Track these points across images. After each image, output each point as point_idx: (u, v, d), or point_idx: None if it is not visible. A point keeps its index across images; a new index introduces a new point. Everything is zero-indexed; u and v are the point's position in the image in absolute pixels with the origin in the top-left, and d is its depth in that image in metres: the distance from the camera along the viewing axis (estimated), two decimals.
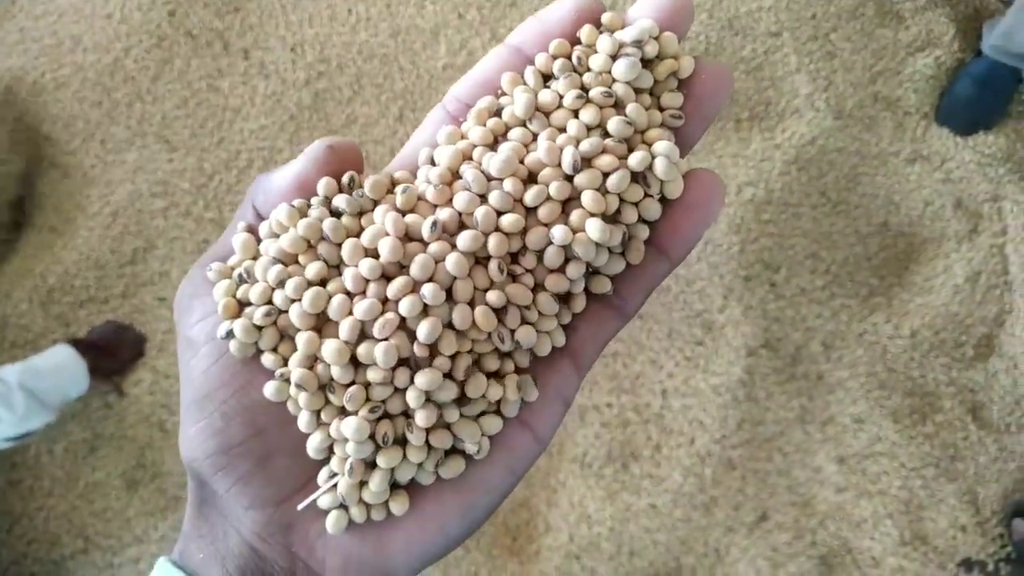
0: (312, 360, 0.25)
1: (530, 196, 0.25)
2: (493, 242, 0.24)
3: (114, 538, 1.12)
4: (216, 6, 1.25)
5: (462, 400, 0.25)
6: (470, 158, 0.26)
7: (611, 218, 0.25)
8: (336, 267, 0.25)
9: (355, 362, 0.25)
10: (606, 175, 0.25)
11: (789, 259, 1.15)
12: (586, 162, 0.25)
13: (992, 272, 1.14)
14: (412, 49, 1.23)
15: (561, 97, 0.26)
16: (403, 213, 0.25)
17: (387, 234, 0.25)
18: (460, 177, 0.25)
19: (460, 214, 0.25)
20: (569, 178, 0.25)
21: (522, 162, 0.25)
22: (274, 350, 0.25)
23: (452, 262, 0.24)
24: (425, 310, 0.24)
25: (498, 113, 0.27)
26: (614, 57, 0.26)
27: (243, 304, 0.26)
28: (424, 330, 0.24)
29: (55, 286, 1.16)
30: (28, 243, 1.19)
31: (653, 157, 0.25)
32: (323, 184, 0.26)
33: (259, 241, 0.26)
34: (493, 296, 0.25)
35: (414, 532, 0.25)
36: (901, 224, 1.16)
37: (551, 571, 1.08)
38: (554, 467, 1.12)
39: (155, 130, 1.21)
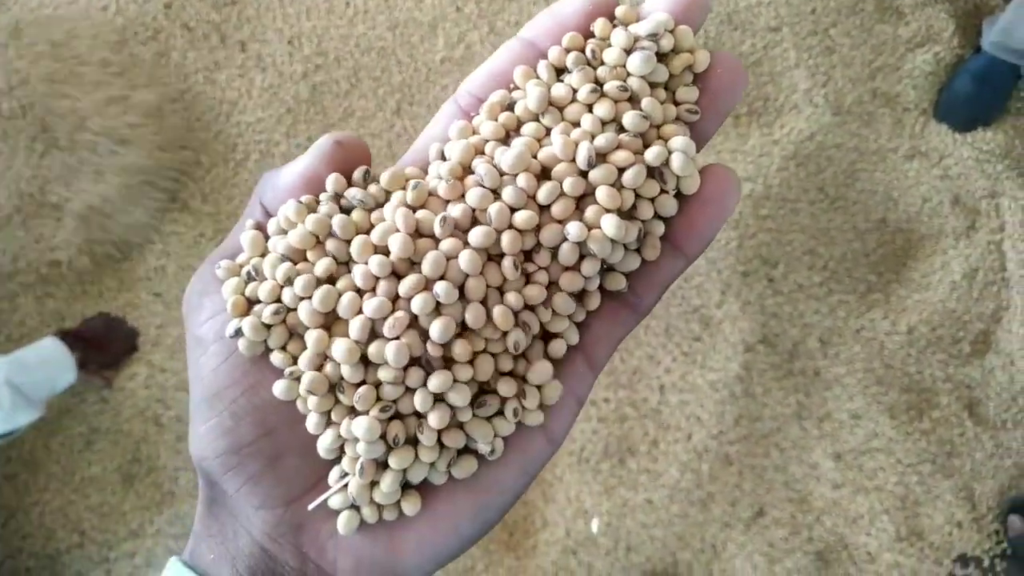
0: (322, 359, 0.24)
1: (544, 192, 0.24)
2: (507, 239, 0.24)
3: (109, 532, 1.11)
4: None
5: (476, 401, 0.25)
6: (482, 153, 0.25)
7: (626, 214, 0.25)
8: (345, 264, 0.25)
9: (365, 361, 0.24)
10: (621, 170, 0.25)
11: (787, 255, 1.15)
12: (601, 157, 0.25)
13: (989, 269, 1.14)
14: (410, 42, 1.22)
15: (575, 91, 0.26)
16: (414, 209, 0.25)
17: (397, 230, 0.24)
18: (472, 172, 0.25)
19: (473, 210, 0.24)
20: (583, 174, 0.25)
21: (535, 157, 0.25)
22: (283, 348, 0.25)
23: (465, 259, 0.24)
24: (437, 308, 0.24)
25: (510, 107, 0.26)
26: (628, 51, 0.26)
27: (252, 302, 0.25)
28: (437, 329, 0.23)
29: (49, 278, 1.15)
30: (24, 235, 1.18)
31: (669, 152, 0.25)
32: (332, 180, 0.25)
33: (267, 238, 0.26)
34: (512, 298, 0.24)
35: (426, 533, 0.25)
36: (899, 220, 1.16)
37: (548, 566, 1.08)
38: (551, 462, 1.12)
39: (151, 123, 1.20)
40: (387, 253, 0.24)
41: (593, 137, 0.25)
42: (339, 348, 0.24)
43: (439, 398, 0.24)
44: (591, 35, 0.26)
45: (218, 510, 0.25)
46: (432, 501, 0.25)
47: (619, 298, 0.26)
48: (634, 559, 1.09)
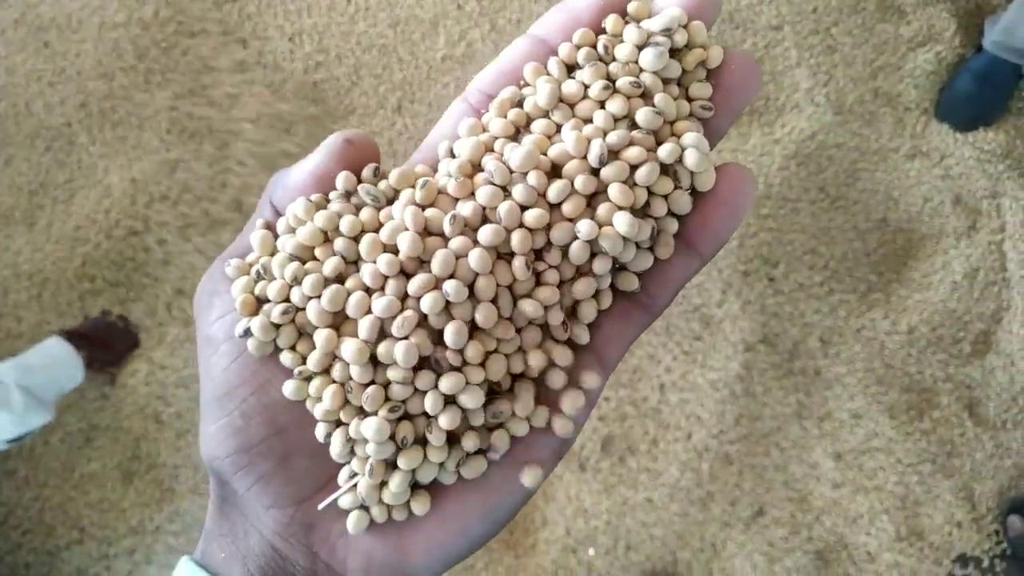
0: (331, 359, 0.24)
1: (554, 191, 0.24)
2: (517, 238, 0.24)
3: (109, 529, 1.11)
4: None
5: (489, 406, 0.24)
6: (492, 150, 0.25)
7: (639, 212, 0.24)
8: (354, 263, 0.25)
9: (374, 361, 0.24)
10: (634, 168, 0.24)
11: (788, 254, 1.15)
12: (613, 154, 0.24)
13: (990, 269, 1.14)
14: (411, 40, 1.22)
15: (586, 87, 0.25)
16: (423, 207, 0.25)
17: (406, 229, 0.24)
18: (482, 170, 0.25)
19: (483, 208, 0.24)
20: (595, 171, 0.24)
21: (545, 154, 0.25)
22: (292, 348, 0.25)
23: (475, 258, 0.23)
24: (447, 307, 0.24)
25: (520, 104, 0.26)
26: (641, 47, 0.25)
27: (261, 301, 0.25)
28: (451, 335, 0.23)
29: (51, 277, 1.15)
30: (25, 234, 1.18)
31: (683, 149, 0.24)
32: (342, 178, 0.25)
33: (277, 237, 0.26)
34: (529, 306, 0.24)
35: (435, 533, 0.25)
36: (900, 220, 1.16)
37: (548, 564, 1.08)
38: None
39: (152, 120, 1.20)
40: (396, 252, 0.24)
41: (605, 134, 0.24)
42: (348, 348, 0.24)
43: (450, 400, 0.24)
44: (603, 31, 0.26)
45: (229, 509, 0.25)
46: (442, 501, 0.25)
47: (632, 298, 0.26)
48: (634, 558, 1.09)
